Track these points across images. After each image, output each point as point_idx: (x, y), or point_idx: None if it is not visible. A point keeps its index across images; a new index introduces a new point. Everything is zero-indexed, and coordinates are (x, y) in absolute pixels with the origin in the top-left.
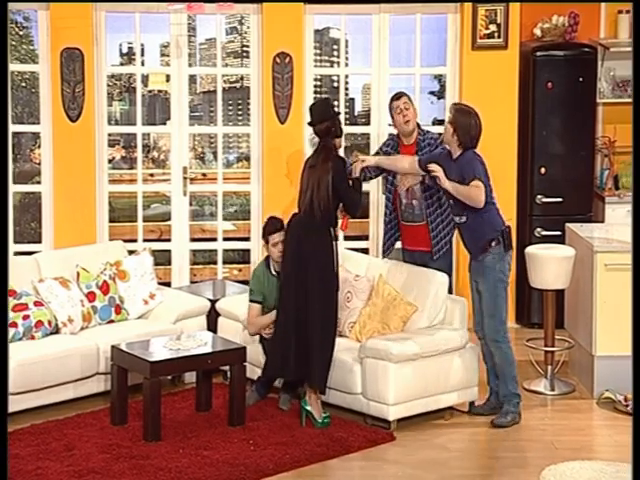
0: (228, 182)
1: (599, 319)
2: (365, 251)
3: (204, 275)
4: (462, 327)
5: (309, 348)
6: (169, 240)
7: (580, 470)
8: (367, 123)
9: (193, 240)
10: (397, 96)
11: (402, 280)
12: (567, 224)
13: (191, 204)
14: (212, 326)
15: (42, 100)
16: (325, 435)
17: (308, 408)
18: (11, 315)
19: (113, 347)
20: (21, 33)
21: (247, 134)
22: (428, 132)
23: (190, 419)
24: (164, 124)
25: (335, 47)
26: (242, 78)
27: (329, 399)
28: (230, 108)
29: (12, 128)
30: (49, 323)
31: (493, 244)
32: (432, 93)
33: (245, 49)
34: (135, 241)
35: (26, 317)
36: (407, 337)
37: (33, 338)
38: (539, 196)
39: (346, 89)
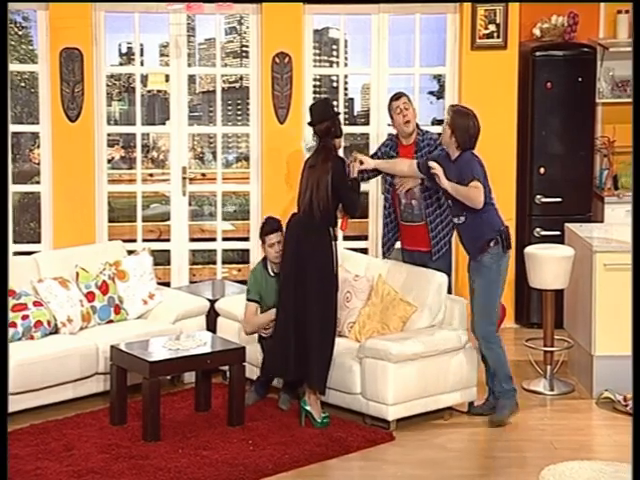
0: (227, 182)
1: (598, 319)
2: (364, 251)
3: (203, 275)
4: (461, 327)
5: (308, 348)
6: (168, 240)
7: (579, 470)
8: (366, 123)
9: (192, 240)
10: (396, 96)
11: (401, 280)
12: (566, 224)
13: (190, 204)
14: (211, 326)
15: (41, 100)
16: (324, 435)
17: (307, 408)
18: (10, 315)
19: (112, 347)
20: (20, 33)
21: (246, 134)
22: (427, 132)
23: (189, 419)
24: (163, 124)
25: (334, 47)
26: (241, 78)
27: (328, 399)
28: (229, 108)
29: (11, 128)
30: (48, 323)
31: (492, 244)
32: (431, 93)
33: (244, 49)
34: (134, 241)
35: (25, 317)
36: (406, 337)
37: (32, 338)
38: (538, 196)
39: (345, 89)
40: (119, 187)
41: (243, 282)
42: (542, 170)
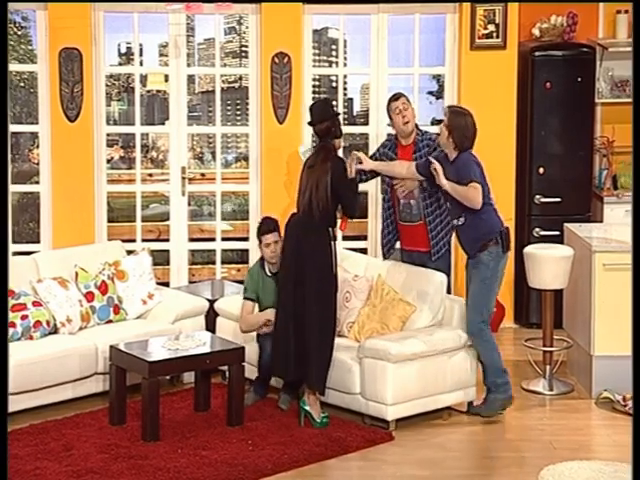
0: (226, 182)
1: (597, 319)
2: (364, 251)
3: (203, 275)
4: (460, 327)
5: (308, 349)
6: (168, 240)
7: (578, 470)
8: (366, 123)
9: (192, 240)
10: (395, 97)
11: (401, 280)
12: (565, 224)
13: (190, 204)
14: (210, 326)
15: (40, 100)
16: (324, 435)
17: (307, 408)
18: (9, 315)
19: (112, 347)
20: (19, 33)
21: (246, 134)
22: (426, 132)
23: (189, 419)
24: (163, 124)
25: (334, 47)
26: (241, 78)
27: (328, 399)
28: (229, 108)
29: (10, 128)
30: (47, 323)
31: (491, 244)
32: (431, 93)
33: (244, 49)
34: (134, 241)
35: (24, 317)
36: (406, 337)
37: (31, 338)
38: (537, 196)
39: (345, 89)
40: (118, 187)
41: (242, 282)
42: (541, 170)
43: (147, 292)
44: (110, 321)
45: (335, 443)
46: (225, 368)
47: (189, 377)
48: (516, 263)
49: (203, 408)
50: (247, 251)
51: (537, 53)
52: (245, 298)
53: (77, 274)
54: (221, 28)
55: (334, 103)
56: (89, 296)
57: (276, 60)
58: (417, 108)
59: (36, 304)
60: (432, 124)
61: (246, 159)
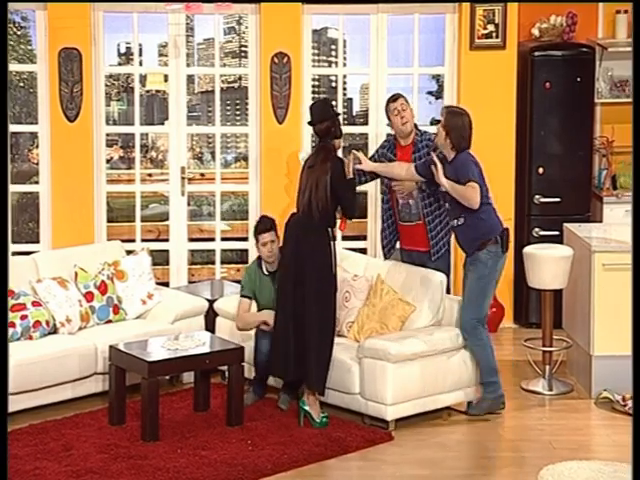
0: (226, 182)
1: (597, 319)
2: (363, 251)
3: (202, 275)
4: (460, 327)
5: (307, 349)
6: (167, 240)
7: (578, 470)
8: (365, 123)
9: (191, 240)
10: (394, 98)
11: (400, 280)
12: (565, 224)
13: (189, 204)
14: (210, 326)
15: (40, 100)
16: (323, 435)
17: (306, 408)
18: (9, 315)
19: (111, 347)
20: (19, 33)
21: (245, 134)
22: (425, 132)
23: (188, 419)
24: (162, 124)
25: (333, 47)
26: (240, 78)
27: (327, 399)
28: (228, 108)
29: (10, 128)
30: (47, 323)
31: (490, 243)
32: (430, 93)
33: (243, 49)
34: (133, 241)
35: (24, 317)
36: (405, 337)
37: (31, 338)
38: (537, 196)
39: (344, 89)
40: (118, 187)
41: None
42: (541, 170)
43: (146, 292)
44: (110, 321)
45: (335, 443)
46: (225, 368)
47: (189, 377)
48: (516, 263)
49: (203, 408)
50: (247, 251)
51: (537, 53)
52: (242, 296)
53: (76, 274)
54: (220, 28)
55: (334, 103)
56: (88, 296)
57: (275, 60)
58: (417, 108)
59: (35, 304)
60: (431, 124)
61: (245, 159)
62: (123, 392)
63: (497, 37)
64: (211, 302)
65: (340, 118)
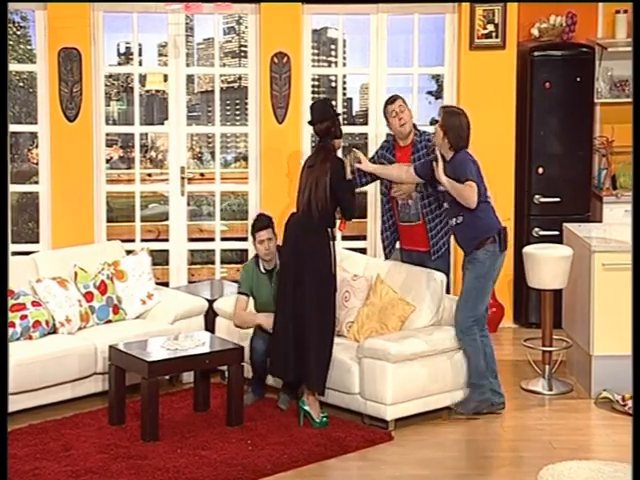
0: (226, 182)
1: (597, 319)
2: (363, 251)
3: (202, 275)
4: None
5: (307, 349)
6: (167, 240)
7: (578, 470)
8: (365, 123)
9: (191, 240)
10: (391, 99)
11: (400, 280)
12: (565, 224)
13: (189, 204)
14: (210, 326)
15: (40, 100)
16: (323, 435)
17: (306, 408)
18: (9, 315)
19: (111, 347)
20: (19, 33)
21: (245, 134)
22: (425, 133)
23: (188, 419)
24: (162, 124)
25: (333, 47)
26: (240, 78)
27: (327, 399)
28: (228, 108)
29: (10, 128)
30: (47, 323)
31: (488, 242)
32: (430, 93)
33: (243, 49)
34: (133, 241)
35: (24, 317)
36: (405, 337)
37: (31, 338)
38: (537, 196)
39: (344, 89)
40: (118, 187)
41: None
42: (540, 170)
43: (146, 292)
44: (109, 321)
45: (334, 443)
46: (224, 368)
47: (188, 377)
48: (515, 263)
49: (202, 408)
50: (246, 251)
51: (536, 53)
52: (239, 293)
53: (76, 274)
54: (220, 28)
55: (333, 103)
56: (88, 296)
57: (275, 60)
58: (416, 108)
59: (35, 304)
60: (431, 124)
61: (245, 159)
62: (123, 392)
63: (497, 37)
64: (211, 302)
65: (340, 118)
